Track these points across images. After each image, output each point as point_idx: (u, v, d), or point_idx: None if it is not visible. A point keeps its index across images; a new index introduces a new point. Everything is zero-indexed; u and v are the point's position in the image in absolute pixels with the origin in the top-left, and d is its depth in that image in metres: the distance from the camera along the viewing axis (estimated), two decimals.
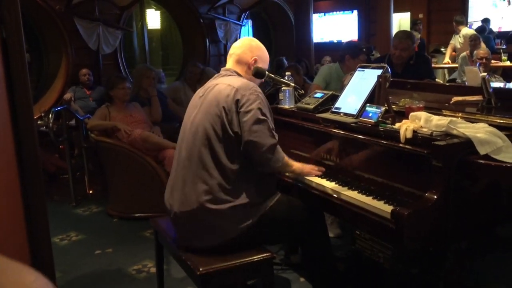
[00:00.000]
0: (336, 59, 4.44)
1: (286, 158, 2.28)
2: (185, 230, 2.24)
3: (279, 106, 3.00)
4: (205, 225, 2.17)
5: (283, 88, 2.95)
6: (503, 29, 9.51)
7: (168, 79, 8.15)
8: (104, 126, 4.23)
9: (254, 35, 10.53)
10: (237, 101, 2.16)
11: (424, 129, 2.01)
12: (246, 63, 2.38)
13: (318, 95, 2.84)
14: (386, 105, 2.31)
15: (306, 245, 2.48)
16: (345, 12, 11.31)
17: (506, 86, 3.96)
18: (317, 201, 2.39)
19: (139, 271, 3.23)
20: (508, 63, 7.60)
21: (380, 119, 2.24)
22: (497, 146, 1.86)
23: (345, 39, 10.15)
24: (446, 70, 8.71)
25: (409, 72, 3.82)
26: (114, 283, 3.11)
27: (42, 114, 5.34)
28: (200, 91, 2.38)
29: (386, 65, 2.50)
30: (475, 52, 5.44)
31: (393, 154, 2.12)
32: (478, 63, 4.79)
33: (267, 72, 2.42)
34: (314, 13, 8.49)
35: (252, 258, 2.16)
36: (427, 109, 2.27)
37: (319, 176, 2.44)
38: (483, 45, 6.85)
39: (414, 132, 2.01)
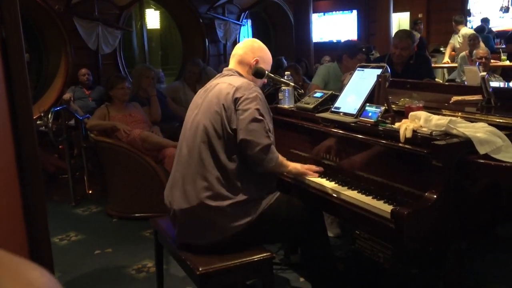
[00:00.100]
0: (335, 59, 4.44)
1: (281, 158, 2.29)
2: (184, 228, 2.25)
3: (278, 105, 3.00)
4: (205, 222, 2.18)
5: (283, 87, 2.95)
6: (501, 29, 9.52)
7: (168, 79, 8.15)
8: (104, 126, 4.23)
9: (254, 35, 10.54)
10: (236, 99, 2.18)
11: (423, 129, 2.01)
12: (247, 63, 2.40)
13: (318, 94, 2.84)
14: (385, 104, 2.31)
15: (306, 245, 2.48)
16: (345, 12, 11.31)
17: (506, 86, 3.96)
18: (316, 201, 2.39)
19: (138, 271, 3.23)
20: (507, 62, 7.59)
21: (379, 118, 2.23)
22: (496, 146, 1.86)
23: (344, 39, 10.15)
24: (445, 70, 8.71)
25: (409, 72, 3.82)
26: (114, 283, 3.11)
27: (42, 114, 5.34)
28: (201, 91, 2.41)
29: (385, 64, 2.50)
30: (474, 51, 5.45)
31: (393, 153, 2.12)
32: (477, 63, 4.79)
33: (266, 72, 2.43)
34: (313, 12, 8.50)
35: (252, 258, 2.16)
36: (426, 108, 2.27)
37: (318, 176, 2.44)
38: (482, 44, 6.85)
39: (414, 131, 2.01)
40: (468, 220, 1.97)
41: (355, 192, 2.21)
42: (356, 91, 2.52)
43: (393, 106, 2.43)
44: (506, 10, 9.94)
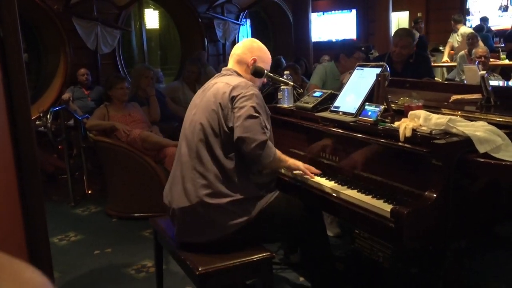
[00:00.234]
0: (332, 58, 4.44)
1: (279, 153, 2.29)
2: (184, 226, 2.25)
3: (278, 105, 2.99)
4: (204, 220, 2.18)
5: (282, 87, 2.94)
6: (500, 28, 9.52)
7: (167, 78, 8.15)
8: (103, 126, 4.23)
9: (253, 35, 10.54)
10: (233, 98, 2.20)
11: (423, 128, 2.01)
12: (245, 63, 2.41)
13: (317, 94, 2.84)
14: (385, 103, 2.30)
15: (305, 244, 2.48)
16: (344, 11, 11.31)
17: (505, 85, 3.96)
18: (316, 200, 2.39)
19: (138, 271, 3.23)
20: (506, 61, 7.60)
21: (379, 117, 2.23)
22: (496, 145, 1.86)
23: (343, 38, 10.15)
24: (444, 69, 8.71)
25: (408, 71, 3.82)
26: (113, 283, 3.11)
27: (41, 114, 5.33)
28: (200, 90, 2.43)
29: (385, 63, 2.49)
30: (473, 50, 5.45)
31: (392, 153, 2.12)
32: (477, 62, 4.79)
33: (265, 71, 2.43)
34: (312, 12, 8.49)
35: (252, 257, 2.16)
36: (426, 107, 2.27)
37: (318, 175, 2.44)
38: (481, 43, 6.85)
39: (413, 130, 2.00)
40: (467, 219, 1.96)
41: (355, 191, 2.21)
42: (355, 90, 2.52)
43: (393, 105, 2.42)
44: (505, 9, 9.95)
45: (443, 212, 1.87)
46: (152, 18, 8.49)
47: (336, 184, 2.33)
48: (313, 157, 2.64)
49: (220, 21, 8.56)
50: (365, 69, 2.58)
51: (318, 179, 2.42)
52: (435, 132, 1.96)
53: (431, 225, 1.88)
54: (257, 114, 2.17)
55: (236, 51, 2.44)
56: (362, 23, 11.01)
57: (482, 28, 8.73)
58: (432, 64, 6.60)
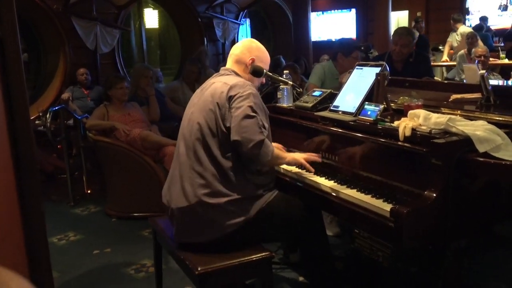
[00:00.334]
0: (330, 58, 4.43)
1: (277, 151, 2.30)
2: (183, 226, 2.25)
3: (277, 104, 2.99)
4: (203, 219, 2.18)
5: (281, 86, 2.94)
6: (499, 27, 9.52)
7: (166, 78, 8.15)
8: (103, 125, 4.22)
9: (252, 34, 10.54)
10: (230, 97, 2.19)
11: (423, 127, 2.00)
12: (243, 62, 2.41)
13: (317, 93, 2.84)
14: (384, 103, 2.30)
15: (305, 244, 2.48)
16: (343, 10, 11.31)
17: (505, 84, 3.96)
18: (315, 199, 2.38)
19: (137, 270, 3.23)
20: (506, 61, 7.59)
21: (378, 117, 2.23)
22: (496, 144, 1.85)
23: (341, 37, 10.14)
24: (444, 68, 8.70)
25: (408, 70, 3.81)
26: (113, 283, 3.10)
27: (40, 114, 5.33)
28: (198, 90, 2.43)
29: (384, 63, 2.49)
30: (473, 50, 5.45)
31: (392, 152, 2.11)
32: (476, 61, 4.78)
33: (265, 71, 2.43)
34: (312, 11, 8.47)
35: (251, 257, 2.15)
36: (425, 107, 2.27)
37: (317, 175, 2.44)
38: (480, 43, 6.85)
39: (413, 130, 2.00)
40: (467, 218, 1.96)
41: (354, 191, 2.20)
42: (355, 89, 2.52)
43: (392, 104, 2.42)
44: (504, 8, 9.95)
45: (442, 211, 1.87)
46: (151, 18, 8.49)
47: (335, 184, 2.33)
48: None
49: (219, 20, 8.56)
50: (365, 68, 2.58)
51: (317, 179, 2.41)
52: (434, 131, 1.96)
53: (430, 224, 1.88)
54: (254, 114, 2.16)
55: (235, 51, 2.44)
56: (362, 23, 11.01)
57: (482, 27, 8.72)
58: (432, 63, 6.61)
